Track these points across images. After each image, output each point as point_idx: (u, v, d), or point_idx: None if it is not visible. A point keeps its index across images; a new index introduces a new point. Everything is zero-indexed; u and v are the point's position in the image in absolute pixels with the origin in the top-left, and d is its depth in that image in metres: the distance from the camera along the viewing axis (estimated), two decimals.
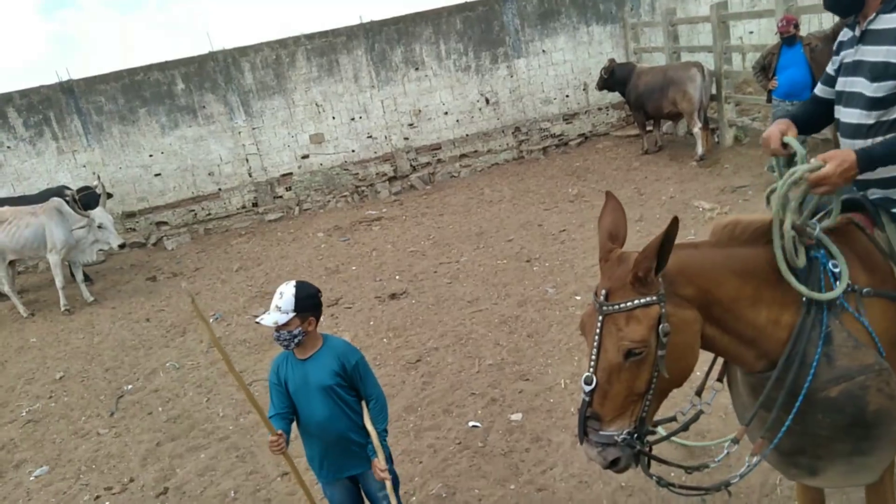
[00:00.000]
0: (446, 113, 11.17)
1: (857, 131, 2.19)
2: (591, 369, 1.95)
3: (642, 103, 9.63)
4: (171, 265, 9.35)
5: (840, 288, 2.03)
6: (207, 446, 4.62)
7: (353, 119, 10.85)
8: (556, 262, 6.75)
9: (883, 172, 2.18)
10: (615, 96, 10.94)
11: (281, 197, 10.79)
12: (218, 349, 2.80)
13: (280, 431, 2.78)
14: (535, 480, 3.64)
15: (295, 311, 2.72)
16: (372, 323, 6.20)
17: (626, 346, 1.90)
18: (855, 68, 2.19)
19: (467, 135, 11.29)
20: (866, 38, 2.15)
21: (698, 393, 2.42)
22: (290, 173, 10.78)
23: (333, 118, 10.78)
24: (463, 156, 11.33)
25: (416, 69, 10.92)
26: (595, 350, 1.95)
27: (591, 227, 7.56)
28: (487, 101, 11.30)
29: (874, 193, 2.25)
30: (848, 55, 2.24)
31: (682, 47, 10.34)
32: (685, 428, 2.35)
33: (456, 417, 4.40)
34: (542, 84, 11.45)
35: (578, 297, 5.76)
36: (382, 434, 2.84)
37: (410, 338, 5.72)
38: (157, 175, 10.35)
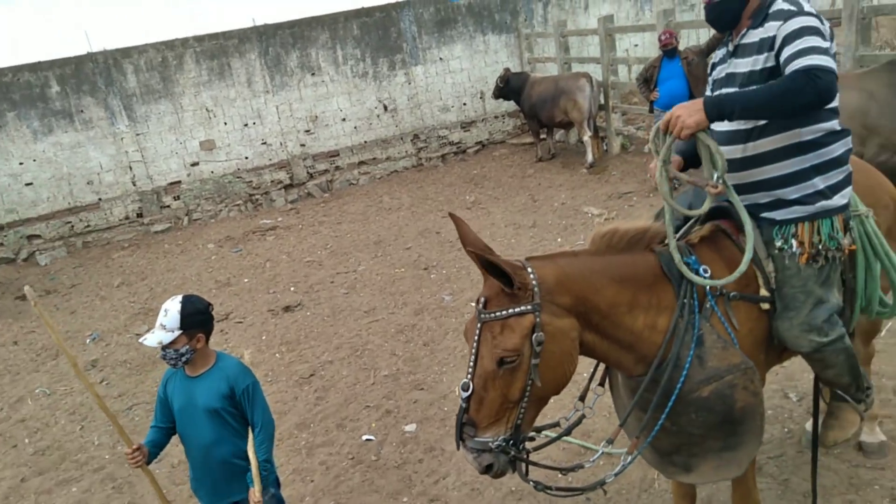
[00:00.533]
0: (344, 119, 11.01)
1: (733, 137, 2.28)
2: (469, 376, 1.97)
3: (536, 112, 9.87)
4: (43, 282, 8.66)
5: (730, 278, 2.13)
6: (80, 478, 4.27)
7: (246, 125, 10.48)
8: (453, 270, 6.77)
9: (747, 178, 2.30)
10: (511, 105, 11.16)
11: (168, 207, 10.24)
12: (65, 353, 2.62)
13: (138, 445, 2.65)
14: (427, 491, 3.60)
15: (181, 328, 2.58)
16: (264, 338, 5.98)
17: (498, 353, 1.92)
18: (728, 80, 2.31)
19: (366, 142, 11.17)
20: (738, 51, 2.28)
21: (581, 398, 2.46)
22: (179, 181, 10.26)
23: (225, 124, 10.37)
24: (361, 163, 11.21)
25: (313, 74, 10.70)
26: (473, 357, 1.97)
27: (488, 235, 7.64)
28: (386, 107, 11.24)
29: (743, 200, 2.35)
30: (721, 70, 2.37)
31: (573, 58, 10.70)
32: (567, 432, 2.39)
33: (350, 432, 4.29)
34: (439, 92, 11.52)
35: (474, 304, 5.79)
36: (264, 465, 2.71)
37: (304, 351, 5.56)
38: (28, 185, 9.56)
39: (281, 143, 10.72)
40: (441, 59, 11.40)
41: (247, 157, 10.56)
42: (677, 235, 2.43)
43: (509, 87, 10.18)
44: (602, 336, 2.10)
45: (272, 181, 10.73)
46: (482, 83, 11.67)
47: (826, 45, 2.01)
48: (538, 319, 1.93)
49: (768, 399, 3.75)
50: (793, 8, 2.10)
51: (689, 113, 2.04)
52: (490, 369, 1.93)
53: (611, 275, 2.10)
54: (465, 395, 1.96)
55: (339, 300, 6.52)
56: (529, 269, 1.98)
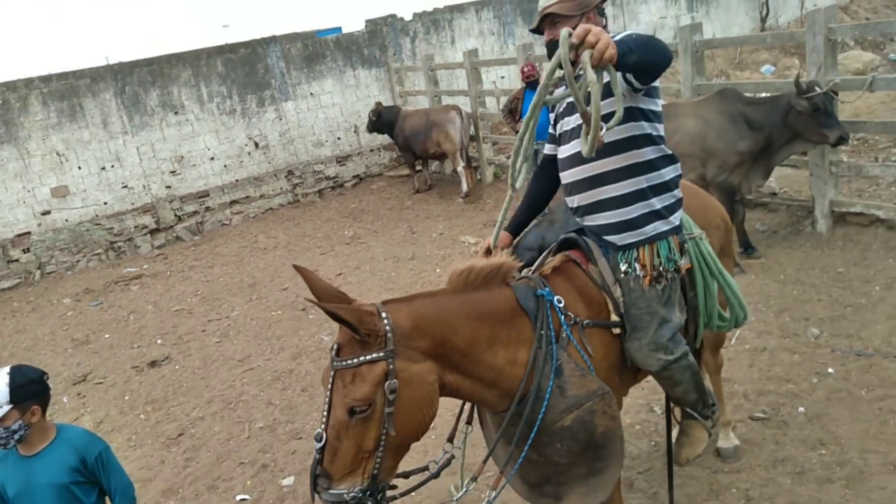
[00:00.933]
0: (213, 158, 10.60)
1: (579, 159, 2.32)
2: (322, 426, 1.89)
3: (409, 145, 9.97)
4: None
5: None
6: None
7: (103, 168, 9.83)
8: None
9: (592, 197, 2.38)
10: (386, 138, 11.20)
11: (17, 261, 9.36)
12: None
13: None
14: None
15: (11, 402, 2.31)
16: (127, 398, 5.54)
17: (348, 403, 1.86)
18: (571, 108, 2.38)
19: (237, 180, 10.80)
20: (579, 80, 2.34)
21: (450, 439, 2.42)
22: (28, 233, 9.42)
23: (80, 168, 9.67)
24: (234, 202, 10.81)
25: (176, 113, 10.24)
26: (326, 406, 1.90)
27: (367, 269, 7.58)
28: (257, 144, 10.94)
29: (590, 220, 2.43)
30: (565, 103, 2.44)
31: (443, 91, 10.94)
32: (436, 475, 2.34)
33: (222, 493, 4.03)
34: (312, 127, 11.38)
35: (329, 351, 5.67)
36: None
37: (172, 409, 5.19)
38: None
39: (144, 186, 10.13)
40: (312, 94, 11.28)
41: (106, 203, 9.88)
42: (532, 268, 2.48)
43: (382, 120, 10.23)
44: (464, 375, 2.08)
45: (136, 226, 10.10)
46: (355, 117, 11.66)
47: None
48: (391, 367, 1.89)
49: (635, 414, 3.92)
50: (622, 34, 2.19)
51: (605, 39, 1.76)
52: (342, 419, 1.86)
53: (468, 313, 2.10)
54: (319, 445, 1.88)
55: (210, 350, 6.18)
56: (383, 314, 1.94)
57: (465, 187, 9.46)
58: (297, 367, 5.48)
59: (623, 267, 2.34)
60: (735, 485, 3.19)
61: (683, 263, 2.42)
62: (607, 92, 1.92)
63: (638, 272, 2.32)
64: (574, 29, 1.82)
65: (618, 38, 1.96)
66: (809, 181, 5.89)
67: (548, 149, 2.62)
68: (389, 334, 1.91)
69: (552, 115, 2.58)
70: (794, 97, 5.08)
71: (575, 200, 2.41)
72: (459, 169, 9.48)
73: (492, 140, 10.11)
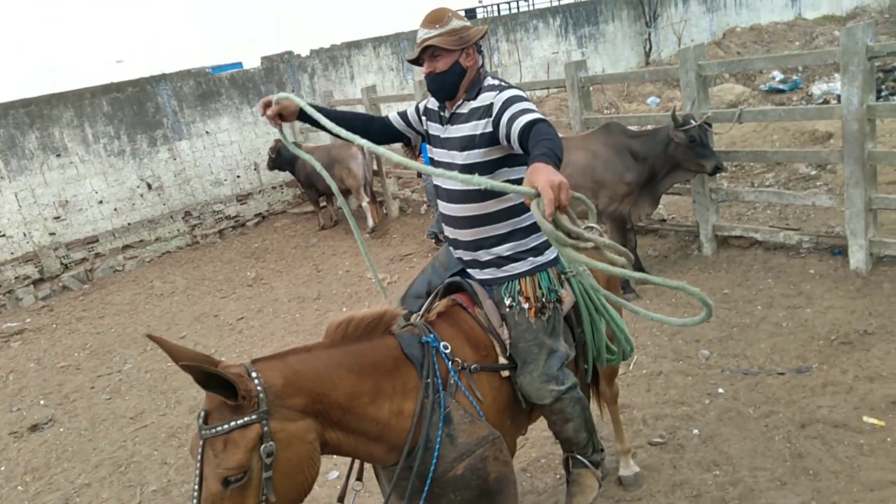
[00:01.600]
0: (101, 202, 10.03)
1: (463, 196, 2.40)
2: (195, 501, 1.75)
3: (312, 181, 9.83)
4: None
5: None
6: None
7: None
8: (234, 355, 6.34)
9: (472, 235, 2.41)
10: (288, 174, 11.01)
11: None
12: None
13: None
14: None
15: None
16: (3, 468, 5.05)
17: (221, 473, 1.73)
18: (445, 143, 2.44)
19: (129, 223, 10.26)
20: (453, 119, 2.42)
21: (340, 499, 2.33)
22: None
23: None
24: (127, 247, 10.25)
25: (59, 156, 9.65)
26: (198, 479, 1.76)
27: (270, 312, 7.34)
28: (150, 186, 10.46)
29: (466, 256, 2.46)
30: (437, 130, 2.50)
31: None
32: None
33: None
34: (209, 165, 11.02)
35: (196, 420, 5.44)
36: None
37: (55, 477, 4.78)
38: None
39: (24, 234, 9.44)
40: (208, 132, 10.95)
41: None
42: (419, 312, 2.46)
43: (282, 157, 10.04)
44: (346, 432, 2.01)
45: (16, 277, 9.37)
46: (255, 154, 11.40)
47: (534, 107, 2.24)
48: (266, 429, 1.79)
49: (540, 447, 3.94)
50: (503, 82, 2.38)
51: (558, 181, 1.73)
52: (216, 490, 1.73)
53: (348, 366, 2.03)
54: None
55: (99, 408, 5.76)
56: (254, 374, 1.84)
57: (370, 223, 9.41)
58: (193, 421, 5.14)
59: (507, 301, 2.38)
60: None
61: (565, 293, 2.48)
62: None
63: (522, 304, 2.35)
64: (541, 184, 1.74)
65: (543, 148, 1.93)
66: (693, 207, 6.24)
67: (395, 120, 2.67)
68: (262, 394, 1.81)
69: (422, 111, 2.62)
70: (672, 130, 5.39)
71: (457, 234, 2.47)
72: (364, 204, 9.43)
73: (395, 174, 10.14)
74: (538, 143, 1.99)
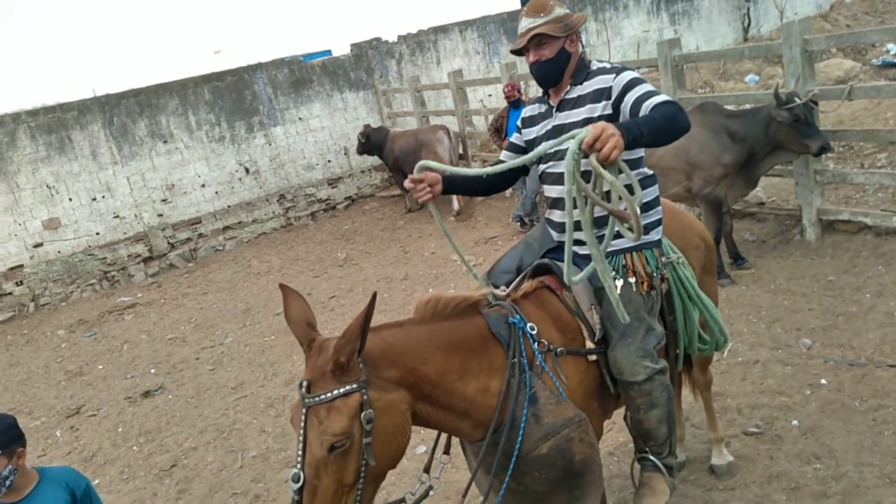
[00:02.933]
0: (203, 185, 10.62)
1: (560, 178, 2.39)
2: (298, 466, 1.84)
3: (399, 165, 10.00)
4: None
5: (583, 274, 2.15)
6: None
7: (94, 199, 9.83)
8: (326, 331, 6.48)
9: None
10: (376, 159, 11.24)
11: (10, 294, 9.33)
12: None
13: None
14: None
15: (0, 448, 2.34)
16: (120, 430, 5.50)
17: (328, 440, 1.81)
18: (557, 132, 2.40)
19: (229, 206, 10.81)
20: (562, 106, 2.43)
21: (426, 469, 2.40)
22: (21, 266, 9.40)
23: (70, 200, 9.67)
24: (227, 228, 10.81)
25: (165, 142, 10.27)
26: (301, 445, 1.85)
27: (360, 291, 7.57)
28: (247, 170, 10.97)
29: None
30: (544, 125, 2.49)
31: (430, 111, 11.00)
32: None
33: None
34: (302, 151, 11.42)
35: (298, 388, 5.65)
36: None
37: (165, 440, 5.16)
38: None
39: (136, 215, 10.13)
40: (300, 118, 11.33)
41: (98, 233, 9.88)
42: (506, 292, 2.48)
43: (371, 142, 10.27)
44: (435, 406, 2.07)
45: (129, 255, 10.08)
46: (345, 139, 11.71)
47: (654, 88, 2.23)
48: (365, 397, 1.87)
49: (627, 432, 3.89)
50: (616, 65, 2.36)
51: (613, 138, 1.86)
52: (320, 456, 1.82)
53: (438, 342, 2.08)
54: (297, 486, 1.83)
55: (204, 378, 6.15)
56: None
57: (456, 206, 9.49)
58: (290, 393, 5.45)
59: (610, 273, 2.35)
60: (730, 502, 3.18)
61: (666, 274, 2.46)
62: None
63: (629, 279, 2.35)
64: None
65: (632, 122, 1.98)
66: (796, 190, 5.92)
67: (507, 157, 2.65)
68: (360, 365, 1.89)
69: (522, 136, 2.61)
70: (774, 109, 5.12)
71: (560, 216, 2.46)
72: None
73: (481, 158, 10.16)
74: (639, 114, 2.05)
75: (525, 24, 2.38)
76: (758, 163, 5.45)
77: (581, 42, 2.45)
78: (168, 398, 5.90)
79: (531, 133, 2.56)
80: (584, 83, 2.39)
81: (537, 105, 2.57)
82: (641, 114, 2.15)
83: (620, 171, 1.97)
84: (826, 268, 5.34)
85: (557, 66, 2.39)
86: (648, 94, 2.18)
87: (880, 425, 3.46)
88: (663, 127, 2.04)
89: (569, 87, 2.42)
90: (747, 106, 5.92)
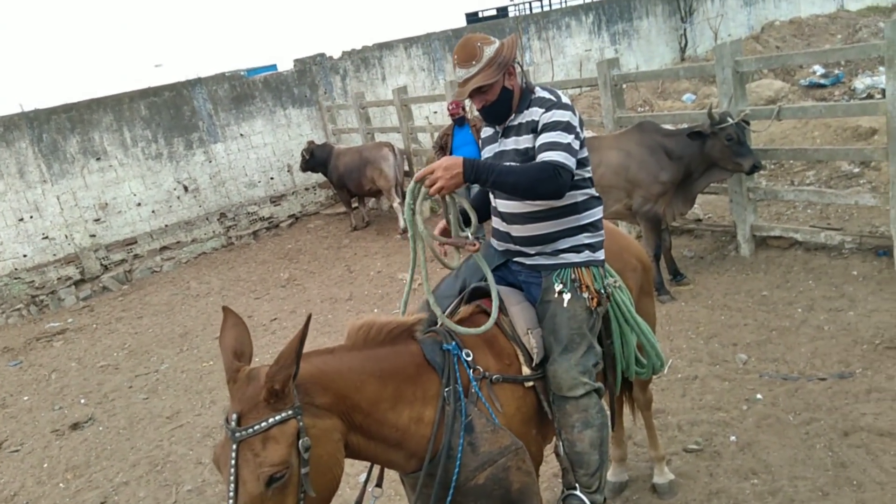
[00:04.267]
0: (139, 204, 10.25)
1: (513, 218, 2.46)
2: None
3: (344, 182, 9.90)
4: None
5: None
6: None
7: (21, 220, 9.37)
8: (267, 356, 6.40)
9: (526, 231, 2.43)
10: (321, 176, 11.10)
11: None
12: None
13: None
14: None
15: None
16: (46, 465, 5.18)
17: (266, 472, 1.71)
18: (502, 156, 2.47)
19: (167, 225, 10.47)
20: (506, 132, 2.46)
21: (358, 503, 2.32)
22: None
23: None
24: (164, 248, 10.45)
25: (98, 159, 9.89)
26: (233, 486, 1.72)
27: (303, 313, 7.40)
28: (186, 188, 10.65)
29: (516, 252, 2.46)
30: (492, 149, 2.54)
31: (376, 128, 10.94)
32: None
33: None
34: (244, 168, 11.18)
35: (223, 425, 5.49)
36: None
37: (95, 476, 4.88)
38: None
39: (66, 236, 9.70)
40: (242, 134, 11.10)
41: (25, 255, 9.40)
42: (444, 314, 2.43)
43: (315, 159, 10.13)
44: (367, 437, 2.00)
45: (59, 278, 9.63)
46: (288, 156, 11.52)
47: (574, 143, 2.28)
48: (301, 424, 1.79)
49: None
50: (553, 98, 2.38)
51: (447, 172, 2.12)
52: (257, 493, 1.71)
53: (370, 370, 2.02)
54: None
55: (137, 408, 5.87)
56: None
57: (402, 223, 9.42)
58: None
59: (557, 287, 2.37)
60: None
61: (609, 293, 2.48)
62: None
63: (580, 293, 2.37)
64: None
65: (488, 165, 2.19)
66: (730, 207, 6.09)
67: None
68: (294, 391, 1.81)
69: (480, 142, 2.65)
70: (707, 128, 5.27)
71: (511, 229, 2.50)
72: (395, 205, 9.45)
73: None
74: (514, 165, 2.28)
75: (460, 74, 2.39)
76: (694, 180, 5.59)
77: (520, 68, 2.45)
78: (98, 430, 5.61)
79: (486, 154, 2.59)
80: (525, 111, 2.41)
81: (488, 128, 2.62)
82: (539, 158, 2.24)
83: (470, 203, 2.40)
84: (760, 283, 5.49)
85: (504, 105, 2.43)
86: (547, 146, 2.25)
87: (812, 438, 3.55)
88: (517, 186, 2.18)
89: (514, 113, 2.45)
90: (684, 125, 6.07)
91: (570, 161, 2.22)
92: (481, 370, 2.18)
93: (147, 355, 7.11)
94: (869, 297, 4.86)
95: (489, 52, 2.34)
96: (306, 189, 11.78)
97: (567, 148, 2.24)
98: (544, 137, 2.27)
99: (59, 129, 9.59)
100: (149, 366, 6.81)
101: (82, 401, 6.27)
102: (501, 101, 2.40)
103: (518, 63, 2.45)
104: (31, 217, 9.45)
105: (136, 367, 6.86)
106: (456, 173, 2.11)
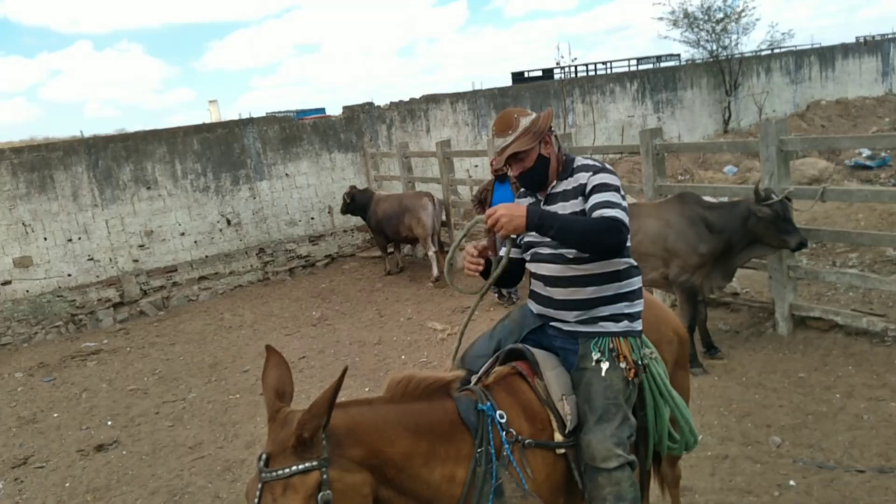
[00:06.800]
0: (183, 234, 10.55)
1: (556, 258, 2.46)
2: None
3: (382, 228, 10.05)
4: None
5: None
6: None
7: (70, 240, 9.70)
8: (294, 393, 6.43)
9: (568, 295, 2.44)
10: (360, 220, 11.31)
11: None
12: None
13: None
14: None
15: None
16: (68, 485, 5.24)
17: None
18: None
19: (207, 256, 10.72)
20: (549, 200, 2.51)
21: None
22: None
23: (45, 239, 9.53)
24: (202, 278, 10.68)
25: (149, 188, 10.25)
26: None
27: (331, 353, 7.45)
28: (229, 221, 10.94)
29: (558, 315, 2.48)
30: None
31: (416, 177, 11.16)
32: None
33: None
34: (286, 206, 11.45)
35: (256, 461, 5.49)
36: None
37: (114, 499, 4.92)
38: None
39: (111, 259, 9.99)
40: (287, 174, 11.42)
41: (70, 275, 9.70)
42: (476, 376, 2.46)
43: (355, 203, 10.34)
44: (398, 491, 2.00)
45: (99, 299, 9.88)
46: (330, 198, 11.78)
47: (624, 203, 2.34)
48: (325, 476, 1.80)
49: None
50: (598, 164, 2.46)
51: (510, 217, 2.19)
52: None
53: (406, 424, 2.04)
54: None
55: (161, 434, 5.93)
56: None
57: (435, 272, 9.50)
58: (249, 456, 5.26)
59: (595, 356, 2.37)
60: None
61: (645, 364, 2.47)
62: None
63: (618, 363, 2.37)
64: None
65: (552, 215, 2.27)
66: (769, 283, 6.02)
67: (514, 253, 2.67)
68: (324, 441, 1.84)
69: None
70: (753, 204, 5.26)
71: (551, 292, 2.50)
72: (430, 253, 9.55)
73: (463, 227, 10.24)
74: (576, 217, 2.35)
75: (497, 143, 2.49)
76: (735, 255, 5.56)
77: (556, 139, 2.53)
78: (122, 454, 5.67)
79: None
80: (569, 178, 2.48)
81: (529, 197, 2.64)
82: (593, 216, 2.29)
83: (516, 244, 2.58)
84: (797, 364, 5.37)
85: (540, 172, 2.49)
86: (603, 205, 2.30)
87: None
88: (582, 236, 2.21)
89: (555, 181, 2.52)
90: (724, 198, 6.08)
91: (626, 218, 2.28)
92: (514, 433, 2.18)
93: (176, 382, 7.20)
94: None
95: (525, 122, 2.44)
96: (344, 231, 11.99)
97: (622, 208, 2.30)
98: (598, 197, 2.32)
99: (114, 157, 9.99)
100: (177, 393, 6.89)
101: (109, 423, 6.35)
102: (538, 168, 2.47)
103: (554, 133, 2.54)
104: (80, 238, 9.78)
105: (164, 393, 6.94)
106: (519, 217, 2.18)
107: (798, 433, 4.39)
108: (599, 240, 2.20)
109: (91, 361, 8.32)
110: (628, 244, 2.49)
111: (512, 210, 2.20)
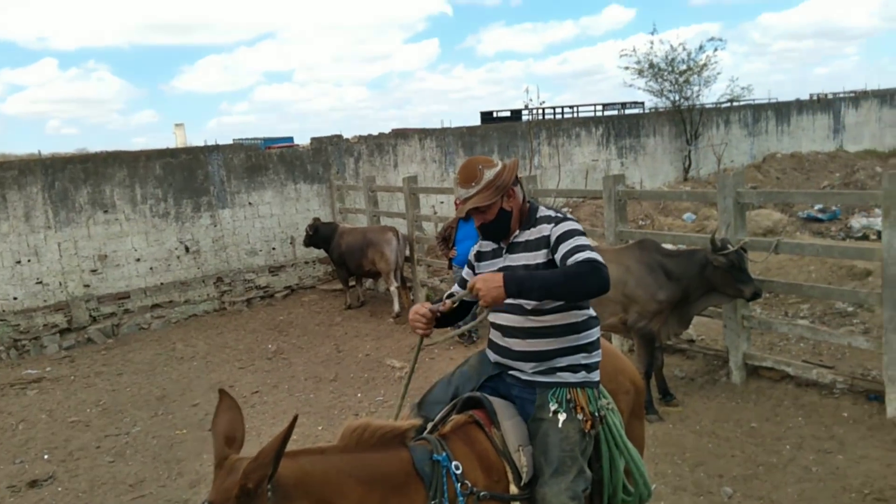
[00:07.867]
0: (139, 259, 10.28)
1: (515, 309, 2.46)
2: None
3: (344, 261, 9.97)
4: None
5: None
6: None
7: (19, 262, 9.37)
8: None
9: (526, 346, 2.42)
10: (322, 252, 11.19)
11: None
12: None
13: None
14: None
15: None
16: None
17: None
18: (492, 254, 2.54)
19: (162, 283, 10.45)
20: (511, 249, 2.50)
21: None
22: None
23: None
24: (156, 306, 10.39)
25: (106, 211, 10.00)
26: None
27: (286, 389, 7.27)
28: (187, 249, 10.72)
29: (515, 364, 2.44)
30: (494, 263, 2.54)
31: (382, 212, 11.14)
32: None
33: None
34: (247, 235, 11.28)
35: None
36: None
37: None
38: None
39: (60, 283, 9.66)
40: (251, 203, 11.28)
41: (16, 298, 9.34)
42: (433, 423, 2.41)
43: (319, 235, 10.25)
44: None
45: (45, 325, 9.52)
46: (293, 229, 11.66)
47: (591, 245, 2.35)
48: None
49: None
50: (558, 215, 2.48)
51: (486, 290, 2.19)
52: None
53: (358, 475, 1.98)
54: None
55: (101, 470, 5.67)
56: None
57: (396, 307, 9.42)
58: (193, 496, 5.06)
59: (552, 406, 2.34)
60: None
61: (601, 416, 2.46)
62: None
63: (576, 414, 2.35)
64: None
65: (528, 276, 2.26)
66: (724, 332, 6.11)
67: (457, 291, 2.65)
68: (269, 493, 1.76)
69: (474, 267, 2.65)
70: (710, 253, 5.37)
71: (509, 343, 2.48)
72: (392, 288, 9.48)
73: (426, 263, 10.23)
74: (552, 270, 2.30)
75: (459, 194, 2.50)
76: (692, 302, 5.64)
77: (521, 186, 2.54)
78: (57, 490, 5.39)
79: (484, 269, 2.59)
80: (531, 229, 2.49)
81: (490, 242, 2.62)
82: (572, 263, 2.26)
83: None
84: (750, 413, 5.43)
85: (500, 225, 2.49)
86: (574, 251, 2.29)
87: None
88: (566, 287, 2.19)
89: (518, 231, 2.51)
90: (682, 246, 6.19)
91: (601, 258, 2.27)
92: (469, 485, 2.14)
93: (120, 415, 6.92)
94: (859, 442, 4.80)
95: (489, 175, 2.43)
96: (306, 262, 11.85)
97: (592, 249, 2.31)
98: (567, 245, 2.32)
99: (72, 178, 9.74)
100: (120, 426, 6.62)
101: (46, 456, 6.05)
102: (498, 222, 2.47)
103: (520, 182, 2.55)
104: (29, 261, 9.45)
105: (107, 426, 6.66)
106: (496, 288, 2.18)
107: (749, 484, 4.41)
108: (584, 283, 2.18)
109: (31, 390, 7.96)
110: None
111: (488, 283, 2.19)
